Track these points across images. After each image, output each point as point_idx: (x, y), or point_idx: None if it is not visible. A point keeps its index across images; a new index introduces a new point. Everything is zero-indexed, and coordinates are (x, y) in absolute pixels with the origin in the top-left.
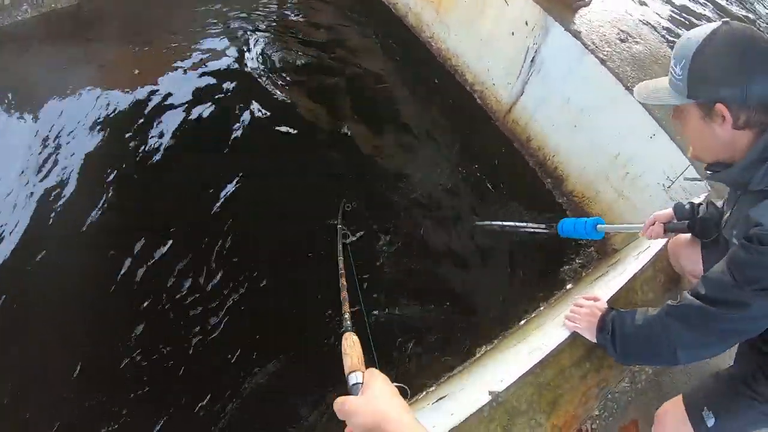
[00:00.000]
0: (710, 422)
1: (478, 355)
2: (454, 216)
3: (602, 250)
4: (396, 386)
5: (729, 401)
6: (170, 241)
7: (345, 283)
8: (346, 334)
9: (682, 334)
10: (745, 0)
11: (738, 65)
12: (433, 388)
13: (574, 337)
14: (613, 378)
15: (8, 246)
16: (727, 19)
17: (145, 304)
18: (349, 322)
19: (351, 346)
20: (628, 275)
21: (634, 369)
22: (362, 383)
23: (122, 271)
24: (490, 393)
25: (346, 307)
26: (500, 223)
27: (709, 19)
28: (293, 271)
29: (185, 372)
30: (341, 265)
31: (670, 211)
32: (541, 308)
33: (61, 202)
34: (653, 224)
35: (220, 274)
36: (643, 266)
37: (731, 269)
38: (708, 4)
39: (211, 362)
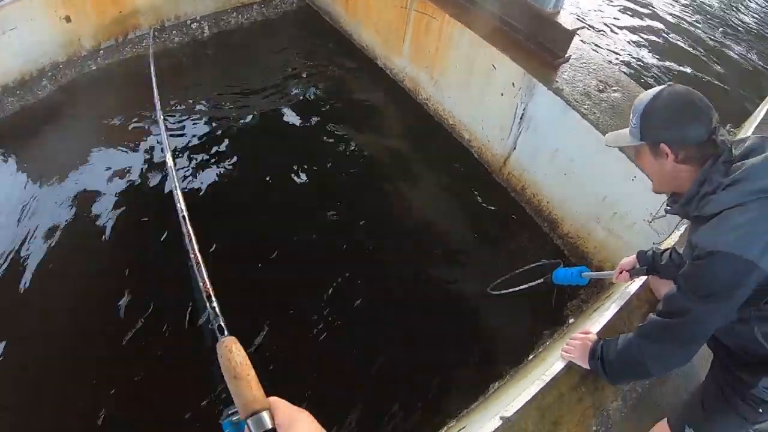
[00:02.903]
0: None
1: (492, 391)
2: (463, 262)
3: (600, 285)
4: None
5: (705, 414)
6: None
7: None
8: (226, 341)
9: (647, 348)
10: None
11: (675, 115)
12: (453, 422)
13: (570, 366)
14: (606, 398)
15: None
16: (671, 82)
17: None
18: (221, 322)
19: (241, 364)
20: (617, 308)
21: (625, 389)
22: (273, 430)
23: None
24: (501, 418)
25: (212, 298)
26: (511, 290)
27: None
28: None
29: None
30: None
31: (633, 258)
32: (548, 343)
33: None
34: (620, 272)
35: None
36: (629, 298)
37: (680, 283)
38: (678, 44)
39: None
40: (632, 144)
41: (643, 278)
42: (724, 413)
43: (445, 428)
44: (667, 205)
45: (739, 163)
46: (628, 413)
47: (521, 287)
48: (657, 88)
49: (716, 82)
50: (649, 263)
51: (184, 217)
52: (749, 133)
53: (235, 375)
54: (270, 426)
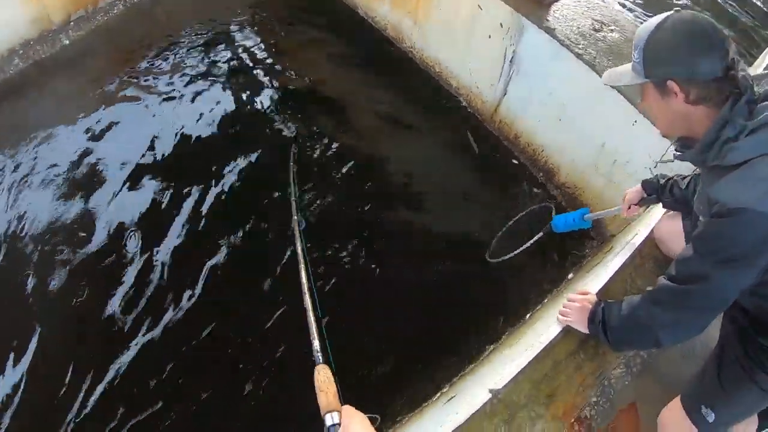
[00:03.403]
0: (710, 418)
1: (486, 353)
2: (455, 217)
3: (600, 237)
4: (369, 417)
5: (723, 392)
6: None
7: (310, 304)
8: (318, 368)
9: (659, 317)
10: None
11: (684, 46)
12: (446, 388)
13: (567, 330)
14: (608, 365)
15: None
16: (678, 8)
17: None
18: (319, 354)
19: (324, 382)
20: (618, 264)
21: (629, 354)
22: (339, 424)
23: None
24: (491, 391)
25: (314, 336)
26: (511, 255)
27: None
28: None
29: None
30: (305, 287)
31: (638, 188)
32: (545, 300)
33: None
34: (629, 206)
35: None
36: (631, 254)
37: (694, 243)
38: None
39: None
40: (634, 82)
41: (646, 230)
42: (745, 388)
43: (438, 394)
44: (677, 150)
45: (764, 103)
46: (632, 381)
47: (521, 248)
48: (661, 15)
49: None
50: (657, 191)
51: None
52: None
53: (320, 389)
54: (337, 421)
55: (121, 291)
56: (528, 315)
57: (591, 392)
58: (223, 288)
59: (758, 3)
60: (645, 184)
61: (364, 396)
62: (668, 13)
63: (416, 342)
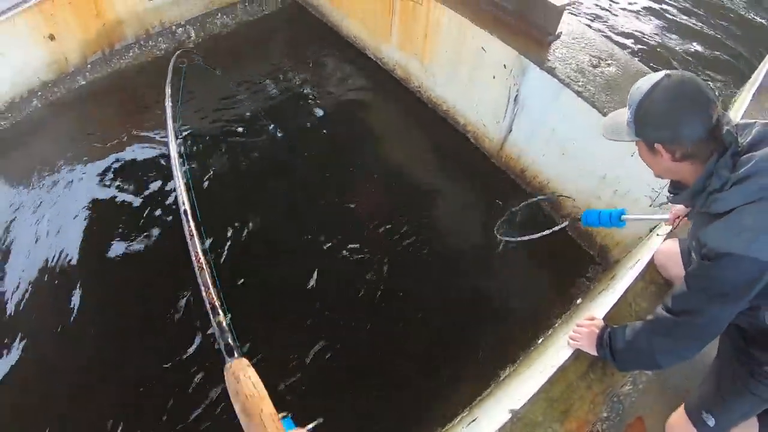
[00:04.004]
0: (710, 422)
1: (502, 377)
2: (468, 248)
3: (605, 263)
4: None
5: (722, 399)
6: None
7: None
8: (234, 366)
9: (657, 344)
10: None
11: (670, 113)
12: (466, 412)
13: (578, 353)
14: (616, 383)
15: None
16: (669, 72)
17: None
18: (229, 338)
19: (249, 395)
20: (622, 289)
21: (635, 373)
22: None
23: None
24: (510, 411)
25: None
26: (525, 238)
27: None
28: None
29: None
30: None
31: None
32: (556, 325)
33: None
34: (677, 216)
35: None
36: (635, 279)
37: (687, 282)
38: (668, 14)
39: None
40: (629, 139)
41: (648, 256)
42: (740, 395)
43: (459, 418)
44: (670, 193)
45: (747, 155)
46: (639, 397)
47: (538, 234)
48: (654, 78)
49: (710, 51)
50: None
51: (185, 211)
52: (749, 97)
53: (245, 410)
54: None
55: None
56: (540, 339)
57: (602, 408)
58: None
59: None
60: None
61: (385, 417)
62: (659, 77)
63: (435, 368)
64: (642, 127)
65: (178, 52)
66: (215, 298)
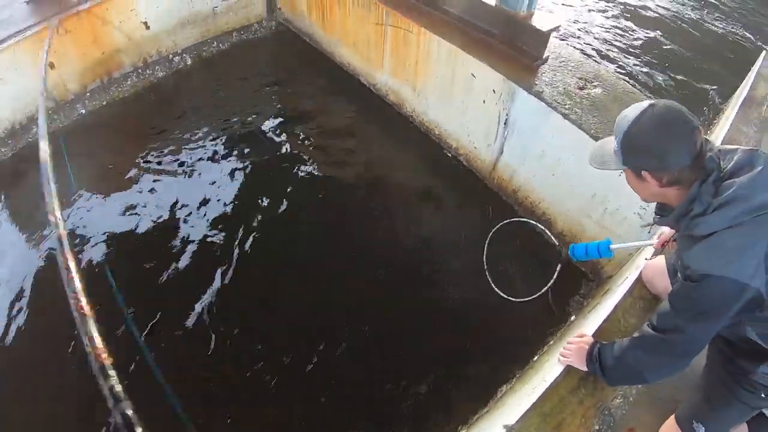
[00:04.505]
0: (701, 431)
1: (499, 395)
2: (462, 268)
3: (598, 279)
4: None
5: (711, 408)
6: None
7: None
8: None
9: (644, 360)
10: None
11: (656, 143)
12: (464, 430)
13: (569, 370)
14: (607, 397)
15: None
16: (654, 102)
17: None
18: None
19: None
20: (612, 305)
21: (625, 387)
22: None
23: None
24: (505, 427)
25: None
26: (535, 296)
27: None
28: None
29: None
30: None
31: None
32: (551, 342)
33: None
34: (665, 241)
35: None
36: (624, 296)
37: (671, 301)
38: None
39: None
40: (615, 169)
41: (635, 273)
42: (729, 404)
43: None
44: (656, 215)
45: (728, 181)
46: (630, 410)
47: (546, 287)
48: (639, 108)
49: (697, 63)
50: None
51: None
52: (735, 110)
53: None
54: None
55: None
56: (535, 357)
57: (593, 422)
58: None
59: None
60: None
61: None
62: (644, 107)
63: (433, 388)
64: (629, 156)
65: None
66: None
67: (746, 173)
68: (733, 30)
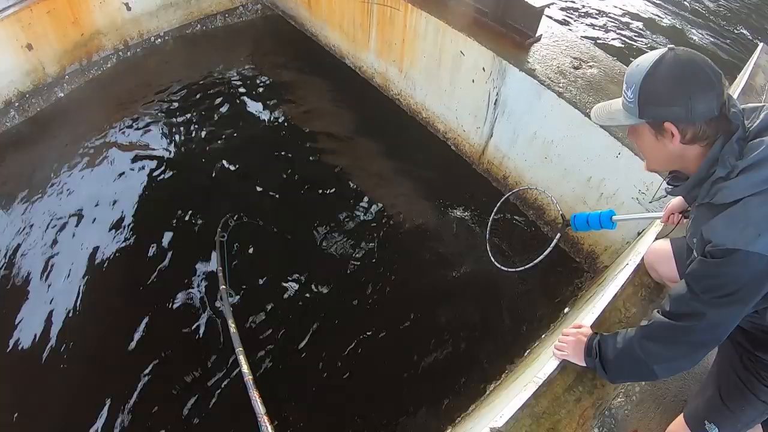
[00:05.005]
0: None
1: (487, 393)
2: (450, 257)
3: (593, 269)
4: None
5: (726, 407)
6: None
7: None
8: None
9: (654, 351)
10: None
11: (682, 87)
12: (449, 430)
13: (564, 365)
14: (607, 396)
15: None
16: (672, 45)
17: None
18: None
19: None
20: (611, 295)
21: (627, 384)
22: None
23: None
24: (491, 429)
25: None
26: (522, 267)
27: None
28: None
29: None
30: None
31: (680, 200)
32: (543, 336)
33: None
34: (671, 214)
35: None
36: (623, 284)
37: (689, 282)
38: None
39: None
40: (629, 123)
41: (636, 260)
42: (747, 402)
43: None
44: (668, 184)
45: (755, 141)
46: (633, 410)
47: (538, 258)
48: (656, 53)
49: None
50: None
51: None
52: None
53: None
54: None
55: None
56: (527, 351)
57: (592, 423)
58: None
59: None
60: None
61: None
62: (663, 51)
63: (418, 384)
64: (648, 106)
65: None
66: None
67: None
68: (728, 27)
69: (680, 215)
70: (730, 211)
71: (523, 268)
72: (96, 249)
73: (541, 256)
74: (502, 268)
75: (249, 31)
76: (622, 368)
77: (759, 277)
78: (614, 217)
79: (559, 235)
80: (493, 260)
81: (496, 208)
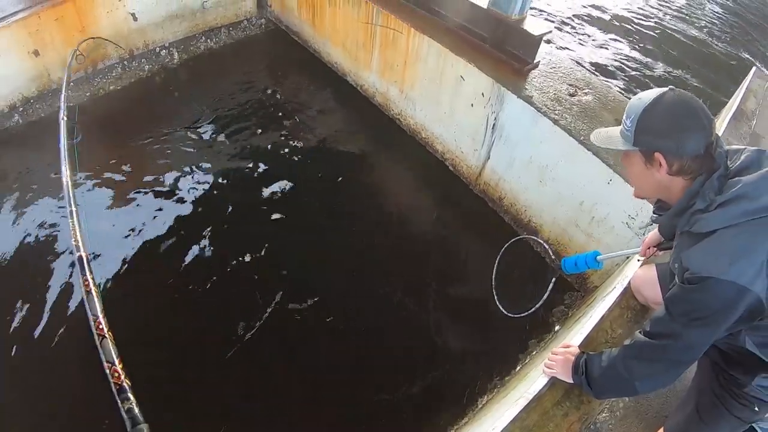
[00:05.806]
0: None
1: (479, 407)
2: (445, 274)
3: (584, 289)
4: None
5: (702, 422)
6: None
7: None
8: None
9: (636, 369)
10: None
11: (676, 124)
12: None
13: (553, 382)
14: (593, 411)
15: None
16: (673, 87)
17: None
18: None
19: None
20: (599, 316)
21: (612, 399)
22: None
23: None
24: None
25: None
26: (531, 311)
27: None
28: None
29: None
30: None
31: (656, 233)
32: (534, 352)
33: None
34: (648, 248)
35: None
36: (611, 306)
37: (668, 305)
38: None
39: None
40: (624, 149)
41: (623, 283)
42: (720, 417)
43: None
44: (654, 213)
45: (734, 179)
46: (617, 424)
47: (541, 301)
48: (658, 91)
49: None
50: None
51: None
52: (725, 124)
53: None
54: None
55: None
56: (518, 368)
57: None
58: None
59: None
60: (662, 229)
61: None
62: (664, 90)
63: (412, 398)
64: (643, 136)
65: None
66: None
67: (753, 173)
68: (721, 49)
69: (655, 249)
70: (706, 241)
71: (526, 313)
72: None
73: (540, 302)
74: (508, 314)
75: (253, 45)
76: (606, 385)
77: (729, 303)
78: (598, 257)
79: (554, 279)
80: (499, 306)
81: (498, 259)
